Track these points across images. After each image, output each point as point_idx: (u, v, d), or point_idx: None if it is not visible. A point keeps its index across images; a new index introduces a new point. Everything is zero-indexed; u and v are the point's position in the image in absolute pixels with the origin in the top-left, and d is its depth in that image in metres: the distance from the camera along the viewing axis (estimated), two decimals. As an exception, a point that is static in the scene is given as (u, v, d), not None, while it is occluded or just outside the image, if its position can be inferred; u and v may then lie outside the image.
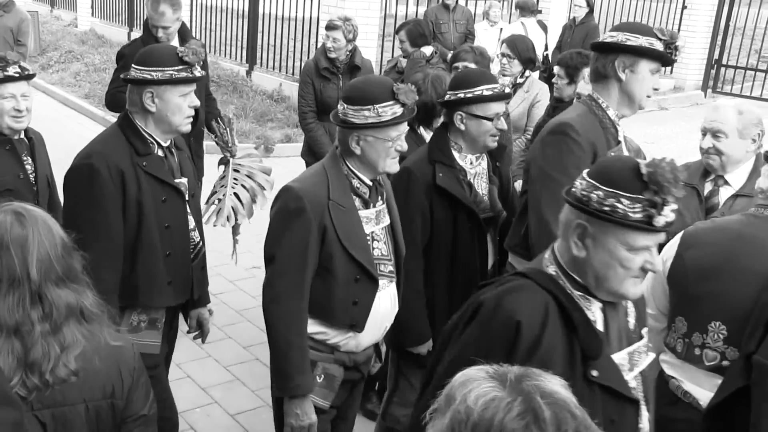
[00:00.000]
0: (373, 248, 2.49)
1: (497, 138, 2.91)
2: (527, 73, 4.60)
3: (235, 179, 4.10)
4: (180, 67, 2.59)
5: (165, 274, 2.68)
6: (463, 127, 2.88)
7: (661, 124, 10.68)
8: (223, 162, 4.25)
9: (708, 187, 2.98)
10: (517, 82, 4.55)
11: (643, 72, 2.62)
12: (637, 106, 2.74)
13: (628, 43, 2.59)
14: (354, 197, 2.45)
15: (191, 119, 2.67)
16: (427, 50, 5.57)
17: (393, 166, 2.45)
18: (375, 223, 2.51)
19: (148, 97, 2.59)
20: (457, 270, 2.92)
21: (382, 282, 2.50)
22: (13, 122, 3.07)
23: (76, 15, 15.41)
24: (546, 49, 8.70)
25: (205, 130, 4.72)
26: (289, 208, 2.37)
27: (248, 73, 10.95)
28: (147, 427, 1.90)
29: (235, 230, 4.29)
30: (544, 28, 8.60)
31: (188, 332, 3.07)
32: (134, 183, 2.57)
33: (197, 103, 2.67)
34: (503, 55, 4.56)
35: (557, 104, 4.18)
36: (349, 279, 2.41)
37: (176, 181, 2.72)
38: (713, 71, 12.85)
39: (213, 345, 4.38)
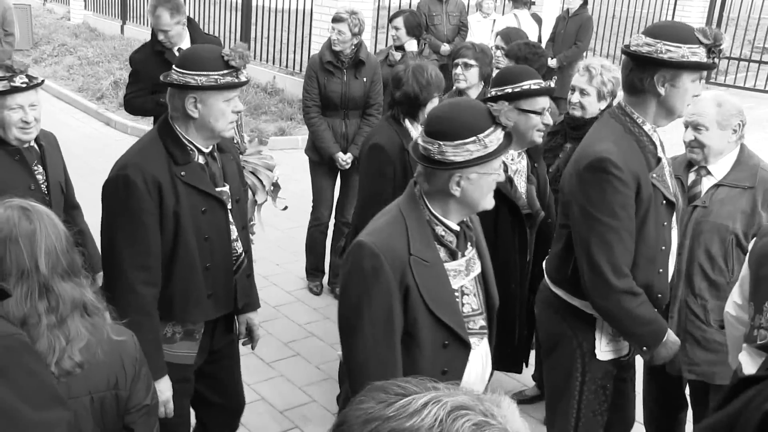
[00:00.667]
0: (463, 304, 2.14)
1: (543, 133, 2.92)
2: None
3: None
4: (225, 71, 2.45)
5: (204, 287, 2.57)
6: (511, 123, 2.78)
7: (654, 115, 10.69)
8: None
9: (691, 177, 3.03)
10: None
11: (685, 84, 2.40)
12: (676, 117, 2.56)
13: (669, 55, 2.33)
14: (438, 247, 2.09)
15: (234, 124, 2.56)
16: (412, 45, 5.49)
17: (491, 201, 2.14)
18: (465, 275, 2.15)
19: (190, 103, 2.45)
20: (496, 265, 2.78)
21: (473, 341, 2.14)
22: (21, 134, 2.96)
23: (69, 8, 15.35)
24: (539, 41, 8.70)
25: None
26: (364, 268, 1.99)
27: (242, 65, 10.91)
28: (149, 417, 1.94)
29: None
30: (538, 20, 8.59)
31: (243, 343, 2.98)
32: (172, 194, 2.45)
33: (241, 107, 2.55)
34: (497, 47, 4.53)
35: None
36: (437, 345, 2.06)
37: (218, 189, 2.58)
38: (707, 62, 12.85)
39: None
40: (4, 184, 2.81)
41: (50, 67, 11.59)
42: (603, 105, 3.53)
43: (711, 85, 12.70)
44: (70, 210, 3.29)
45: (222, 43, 4.92)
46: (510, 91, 2.80)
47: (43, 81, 3.08)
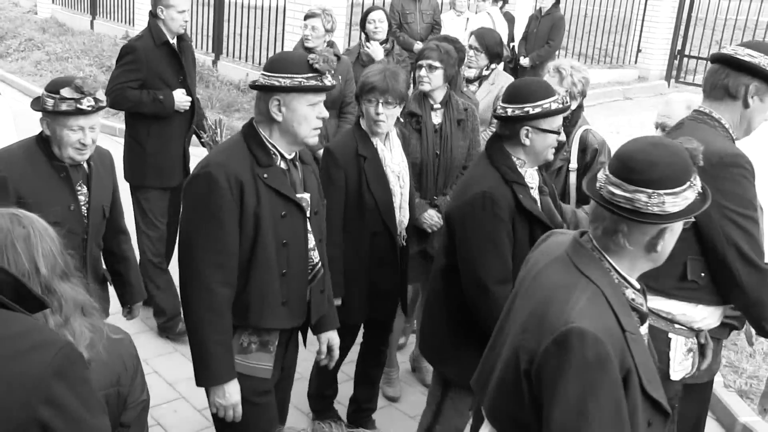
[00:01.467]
0: None
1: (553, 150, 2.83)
2: (493, 65, 4.60)
3: None
4: (310, 74, 2.43)
5: (279, 294, 2.52)
6: (528, 142, 2.69)
7: (625, 113, 10.83)
8: None
9: None
10: (483, 74, 4.56)
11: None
12: (745, 135, 2.58)
13: None
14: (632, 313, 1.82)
15: (318, 131, 2.52)
16: (378, 53, 5.35)
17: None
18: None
19: (274, 105, 2.45)
20: None
21: None
22: (76, 154, 2.86)
23: (36, 2, 15.08)
24: (512, 40, 8.75)
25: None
26: (587, 359, 1.66)
27: (214, 62, 10.83)
28: (145, 411, 2.01)
29: None
30: (510, 18, 8.64)
31: (317, 357, 2.91)
32: (253, 195, 2.43)
33: (326, 114, 2.51)
34: (470, 47, 4.55)
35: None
36: (644, 427, 1.80)
37: (298, 196, 2.55)
38: (676, 61, 13.05)
39: (181, 339, 4.37)
40: (43, 200, 2.75)
41: (17, 62, 11.38)
42: (574, 105, 3.55)
43: (680, 84, 12.90)
44: (116, 235, 3.18)
45: (190, 38, 4.85)
46: (531, 111, 2.65)
47: (105, 105, 2.95)
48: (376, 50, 5.26)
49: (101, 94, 2.84)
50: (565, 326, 1.69)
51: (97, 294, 2.92)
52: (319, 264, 2.68)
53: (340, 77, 4.83)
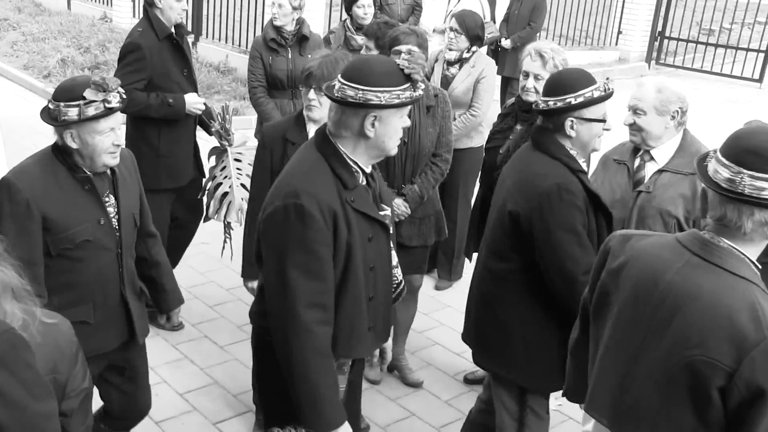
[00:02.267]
0: None
1: (601, 139, 2.79)
2: (474, 48, 4.59)
3: (238, 169, 4.00)
4: (405, 85, 2.25)
5: (366, 320, 2.40)
6: (573, 134, 2.66)
7: (606, 95, 10.87)
8: (217, 152, 4.13)
9: (636, 162, 3.12)
10: (463, 57, 4.56)
11: None
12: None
13: None
14: None
15: (399, 141, 2.37)
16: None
17: None
18: None
19: (369, 122, 2.24)
20: None
21: None
22: (110, 159, 2.61)
23: (11, -18, 14.80)
24: (494, 21, 8.73)
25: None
26: None
27: (194, 44, 10.71)
28: (87, 400, 1.91)
29: (230, 225, 4.16)
30: (493, 0, 8.60)
31: (370, 365, 2.81)
32: (344, 223, 2.25)
33: (408, 122, 2.36)
34: (451, 29, 4.54)
35: None
36: None
37: (381, 213, 2.41)
38: (656, 43, 13.11)
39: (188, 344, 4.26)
40: (71, 219, 2.55)
41: (-8, 43, 11.20)
42: None
43: (660, 65, 12.97)
44: (145, 239, 2.93)
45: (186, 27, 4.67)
46: (573, 101, 2.62)
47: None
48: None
49: (118, 84, 2.59)
50: None
51: (137, 312, 2.80)
52: (402, 283, 2.60)
53: (310, 56, 4.80)
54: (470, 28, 4.53)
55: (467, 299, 3.04)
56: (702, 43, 12.99)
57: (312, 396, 2.24)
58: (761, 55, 12.10)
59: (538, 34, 8.71)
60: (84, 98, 2.49)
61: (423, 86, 2.31)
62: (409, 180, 3.71)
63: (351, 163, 2.30)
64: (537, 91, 3.53)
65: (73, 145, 2.55)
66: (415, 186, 3.69)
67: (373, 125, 2.24)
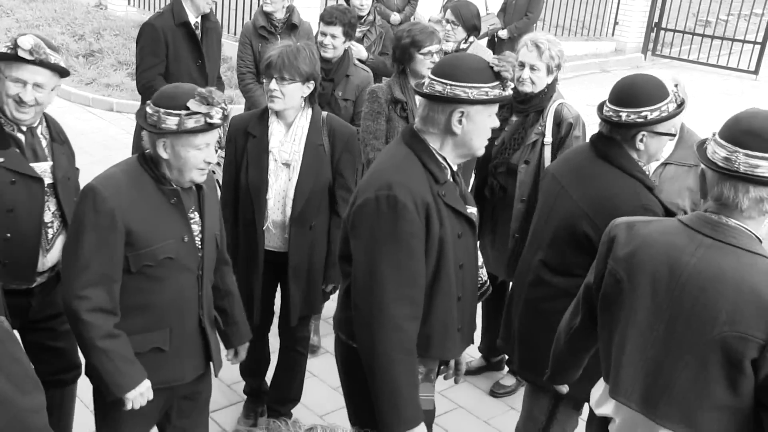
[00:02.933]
0: None
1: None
2: (470, 38, 4.58)
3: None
4: (494, 83, 2.22)
5: (455, 321, 2.35)
6: (642, 147, 2.52)
7: (601, 86, 10.87)
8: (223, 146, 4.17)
9: None
10: (460, 48, 4.55)
11: None
12: None
13: None
14: None
15: (487, 142, 2.34)
16: (362, 53, 5.07)
17: None
18: None
19: (456, 118, 2.22)
20: None
21: None
22: (199, 176, 2.45)
23: (4, -33, 14.68)
24: (486, 10, 8.70)
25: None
26: None
27: (189, 31, 10.66)
28: None
29: None
30: (490, -11, 8.58)
31: (444, 377, 2.68)
32: (436, 217, 2.21)
33: (497, 123, 2.33)
34: (447, 21, 4.53)
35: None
36: None
37: (469, 210, 2.36)
38: (653, 34, 13.09)
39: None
40: (155, 233, 2.37)
41: (-14, 30, 11.12)
42: (550, 79, 3.57)
43: (656, 57, 12.96)
44: (220, 266, 2.73)
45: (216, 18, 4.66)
46: (649, 116, 2.44)
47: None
48: (360, 51, 5.13)
49: (223, 99, 2.42)
50: None
51: (214, 341, 2.61)
52: (487, 282, 2.55)
53: (298, 43, 4.81)
54: (466, 19, 4.53)
55: (506, 306, 2.94)
56: (698, 34, 12.99)
57: (393, 393, 2.18)
58: (757, 47, 12.11)
59: (534, 25, 8.69)
60: (187, 108, 2.33)
61: (512, 85, 2.26)
62: None
63: (440, 158, 2.27)
64: (533, 82, 3.54)
65: (164, 155, 2.38)
66: None
67: (460, 121, 2.22)
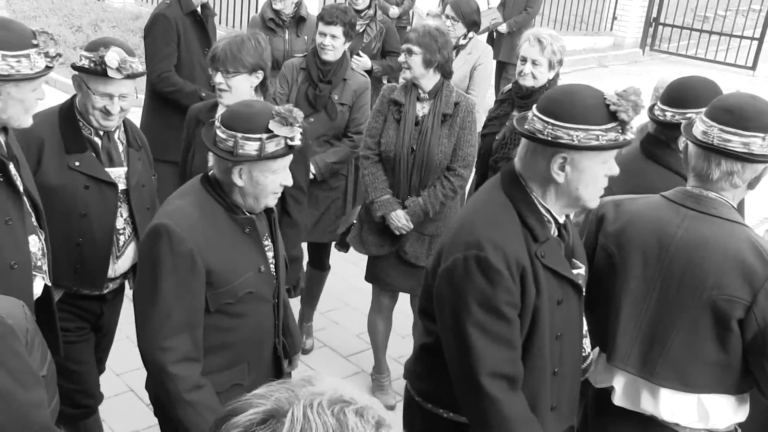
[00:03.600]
0: None
1: None
2: (470, 34, 4.57)
3: None
4: (609, 125, 1.86)
5: (548, 398, 2.04)
6: (682, 147, 2.37)
7: (600, 81, 10.88)
8: None
9: None
10: (460, 43, 4.54)
11: None
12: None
13: None
14: None
15: (602, 192, 2.00)
16: (366, 64, 5.01)
17: None
18: None
19: (557, 164, 1.90)
20: None
21: None
22: (273, 200, 2.29)
23: (1, -42, 14.61)
24: (488, 4, 8.70)
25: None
26: None
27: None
28: (47, 387, 1.81)
29: None
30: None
31: None
32: (533, 283, 1.92)
33: (617, 170, 1.96)
34: (447, 16, 4.50)
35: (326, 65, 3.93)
36: None
37: (574, 272, 2.06)
38: (651, 29, 13.10)
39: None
40: (235, 269, 2.18)
41: (-17, 21, 11.08)
42: (552, 74, 3.58)
43: (654, 52, 12.97)
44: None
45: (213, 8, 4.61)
46: (694, 117, 2.26)
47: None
48: (365, 62, 5.05)
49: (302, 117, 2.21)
50: None
51: (286, 367, 2.51)
52: (590, 355, 2.24)
53: (306, 37, 4.82)
54: (466, 14, 4.51)
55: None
56: (696, 29, 12.99)
57: None
58: (755, 43, 12.12)
59: (534, 19, 8.69)
60: (267, 131, 2.12)
61: (633, 129, 1.92)
62: (416, 192, 3.47)
63: (543, 210, 1.98)
64: (534, 77, 3.56)
65: (240, 183, 2.16)
66: (419, 199, 3.45)
67: (562, 168, 1.91)
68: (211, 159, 2.27)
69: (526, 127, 1.95)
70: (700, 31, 12.90)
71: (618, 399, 2.21)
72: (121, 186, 2.70)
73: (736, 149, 1.98)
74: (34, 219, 2.35)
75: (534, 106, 1.98)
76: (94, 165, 2.63)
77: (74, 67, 2.59)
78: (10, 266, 2.20)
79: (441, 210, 3.49)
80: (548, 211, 1.99)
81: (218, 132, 2.14)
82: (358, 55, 5.11)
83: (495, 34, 8.42)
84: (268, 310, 2.34)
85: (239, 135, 2.10)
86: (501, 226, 1.95)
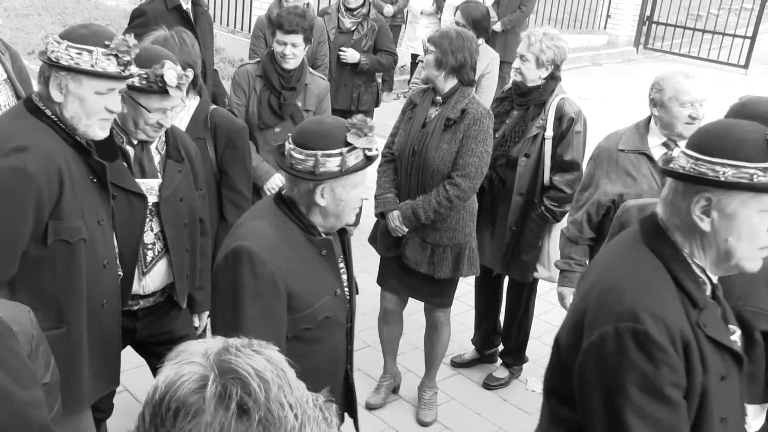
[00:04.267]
0: None
1: None
2: (480, 41, 4.28)
3: None
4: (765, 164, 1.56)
5: None
6: None
7: (594, 79, 10.91)
8: None
9: (661, 151, 3.01)
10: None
11: None
12: None
13: None
14: None
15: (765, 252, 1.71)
16: (354, 57, 5.09)
17: None
18: None
19: (700, 207, 1.62)
20: None
21: None
22: (353, 216, 2.22)
23: (-7, -44, 14.54)
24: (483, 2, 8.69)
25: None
26: None
27: (181, 22, 10.61)
28: (49, 395, 1.80)
29: None
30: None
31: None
32: (699, 358, 1.63)
33: None
34: (457, 23, 4.33)
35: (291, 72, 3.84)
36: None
37: (731, 338, 1.81)
38: (645, 28, 13.13)
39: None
40: (314, 292, 2.09)
41: (-25, 19, 11.03)
42: (543, 73, 3.58)
43: (648, 50, 12.99)
44: None
45: (206, 5, 4.59)
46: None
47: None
48: (352, 54, 5.08)
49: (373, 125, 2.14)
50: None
51: (354, 392, 2.41)
52: None
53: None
54: (477, 20, 4.35)
55: None
56: (690, 28, 13.03)
57: None
58: (747, 41, 12.16)
59: (528, 18, 8.70)
60: (346, 144, 2.04)
61: None
62: (415, 195, 3.39)
63: (697, 270, 1.68)
64: (521, 72, 3.60)
65: (322, 203, 2.08)
66: (411, 202, 3.38)
67: (707, 213, 1.62)
68: (279, 180, 2.18)
69: (671, 167, 1.67)
70: (694, 29, 12.93)
71: None
72: (152, 199, 2.56)
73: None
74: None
75: (683, 142, 1.76)
76: (123, 174, 2.50)
77: (128, 87, 2.44)
78: (103, 265, 2.34)
79: (442, 219, 3.38)
80: (702, 269, 1.68)
81: (294, 154, 2.05)
82: (342, 50, 5.13)
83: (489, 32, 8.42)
84: (342, 336, 2.25)
85: (319, 153, 2.01)
86: (657, 291, 1.63)
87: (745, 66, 12.11)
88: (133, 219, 2.52)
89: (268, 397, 0.98)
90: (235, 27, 9.99)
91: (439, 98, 3.40)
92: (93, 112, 2.20)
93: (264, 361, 1.04)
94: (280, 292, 1.99)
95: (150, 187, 2.57)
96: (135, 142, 2.56)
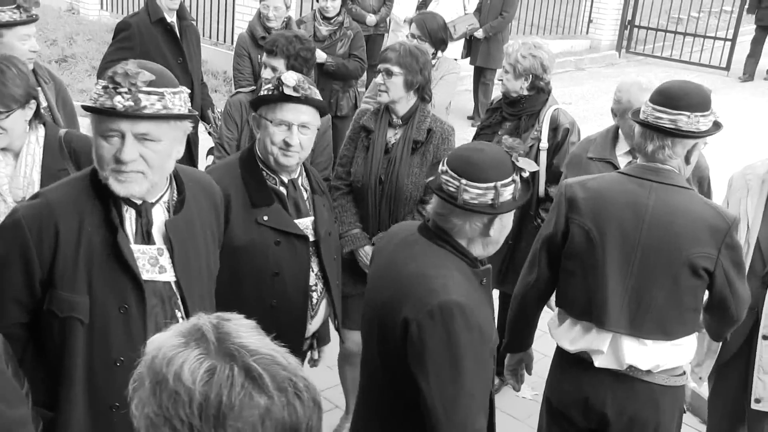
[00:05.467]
0: None
1: None
2: (438, 54, 4.16)
3: None
4: None
5: None
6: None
7: (577, 84, 10.96)
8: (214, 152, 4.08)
9: (627, 159, 3.08)
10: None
11: None
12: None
13: None
14: None
15: None
16: (321, 57, 4.99)
17: None
18: None
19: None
20: None
21: None
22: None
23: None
24: (465, 10, 8.74)
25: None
26: None
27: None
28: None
29: None
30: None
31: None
32: None
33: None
34: (413, 35, 4.11)
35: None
36: None
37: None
38: (627, 32, 13.23)
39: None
40: (491, 325, 2.04)
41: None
42: (523, 83, 3.57)
43: (630, 54, 13.09)
44: None
45: (194, 19, 4.66)
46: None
47: None
48: (319, 55, 4.98)
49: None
50: None
51: None
52: None
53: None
54: (433, 32, 4.11)
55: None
56: (671, 31, 13.14)
57: None
58: (728, 44, 12.28)
59: (510, 24, 8.74)
60: (515, 169, 1.97)
61: None
62: (386, 226, 2.96)
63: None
64: (503, 83, 3.62)
65: (493, 234, 1.98)
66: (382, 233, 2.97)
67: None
68: (456, 220, 1.96)
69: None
70: (675, 32, 13.04)
71: (601, 361, 2.40)
72: (310, 238, 2.49)
73: (665, 125, 2.28)
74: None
75: None
76: (284, 218, 2.41)
77: (254, 100, 2.42)
78: (115, 362, 1.91)
79: None
80: None
81: (469, 189, 1.90)
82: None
83: (472, 39, 8.46)
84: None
85: (498, 184, 1.91)
86: None
87: (727, 68, 12.22)
88: (299, 262, 2.44)
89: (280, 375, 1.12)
90: (218, 39, 9.98)
91: (398, 120, 3.16)
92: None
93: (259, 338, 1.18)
94: (487, 339, 1.93)
95: (306, 226, 2.49)
96: (285, 180, 2.49)
